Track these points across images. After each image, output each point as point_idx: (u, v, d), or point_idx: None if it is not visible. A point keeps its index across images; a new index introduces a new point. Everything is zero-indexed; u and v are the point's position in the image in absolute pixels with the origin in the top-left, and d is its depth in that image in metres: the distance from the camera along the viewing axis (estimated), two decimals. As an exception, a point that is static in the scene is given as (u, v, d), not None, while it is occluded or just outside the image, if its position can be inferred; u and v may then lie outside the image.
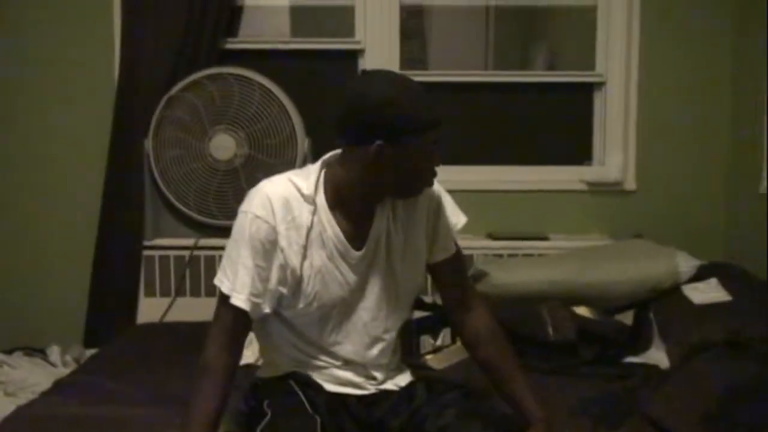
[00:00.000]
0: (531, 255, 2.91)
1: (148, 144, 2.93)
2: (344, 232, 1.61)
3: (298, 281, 1.59)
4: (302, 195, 1.58)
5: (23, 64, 3.08)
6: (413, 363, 2.09)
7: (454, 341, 2.39)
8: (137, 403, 2.04)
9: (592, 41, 3.21)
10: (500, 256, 2.93)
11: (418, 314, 2.33)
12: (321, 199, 1.60)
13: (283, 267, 1.57)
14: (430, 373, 2.03)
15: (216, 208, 2.88)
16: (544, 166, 3.22)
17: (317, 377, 1.68)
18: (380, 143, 1.49)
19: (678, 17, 3.09)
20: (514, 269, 2.62)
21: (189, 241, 2.94)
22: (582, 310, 2.40)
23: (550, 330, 2.28)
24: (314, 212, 1.59)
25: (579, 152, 3.26)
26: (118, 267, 2.98)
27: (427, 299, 2.54)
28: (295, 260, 1.57)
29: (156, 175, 2.94)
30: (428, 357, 2.31)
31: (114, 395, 2.11)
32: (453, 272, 1.75)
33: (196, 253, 2.93)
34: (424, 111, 1.52)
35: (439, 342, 2.35)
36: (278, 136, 2.89)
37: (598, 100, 3.23)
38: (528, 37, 3.43)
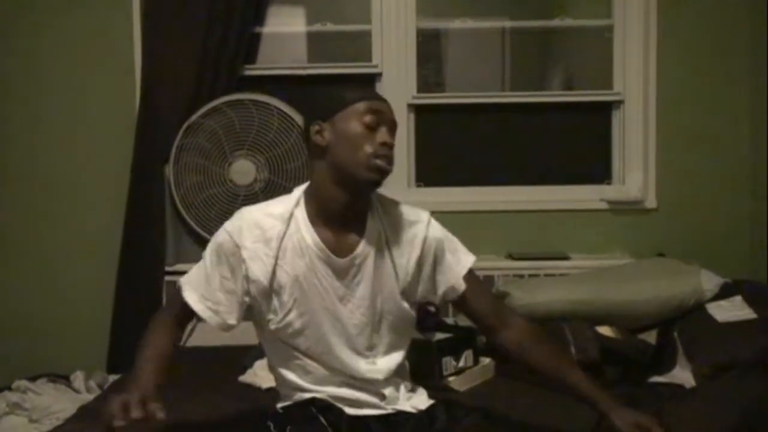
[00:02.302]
0: (552, 275, 2.90)
1: (169, 170, 2.96)
2: (326, 241, 1.66)
3: (266, 291, 1.66)
4: (275, 213, 1.67)
5: (44, 92, 3.13)
6: (435, 385, 2.08)
7: (476, 362, 2.38)
8: (159, 429, 2.04)
9: (609, 60, 3.21)
10: (521, 276, 2.92)
11: (440, 335, 2.32)
12: (301, 212, 1.68)
13: (247, 279, 1.65)
14: (450, 396, 2.01)
15: (237, 232, 2.89)
16: (564, 186, 3.22)
17: (334, 401, 1.68)
18: (317, 124, 1.64)
19: (694, 34, 3.09)
20: (536, 289, 2.61)
21: (210, 266, 2.96)
22: (605, 330, 2.38)
23: (573, 349, 2.27)
24: (288, 222, 1.66)
25: (597, 171, 3.25)
26: (140, 292, 2.99)
27: (449, 321, 2.54)
28: (259, 272, 1.64)
29: (177, 200, 2.96)
30: (450, 379, 2.29)
31: (137, 421, 2.11)
32: (476, 304, 1.78)
33: (217, 278, 2.94)
34: (351, 89, 1.65)
35: (461, 363, 2.34)
36: (297, 160, 2.91)
37: (616, 118, 3.23)
38: (544, 57, 3.44)
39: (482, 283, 1.84)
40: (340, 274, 1.67)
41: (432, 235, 1.75)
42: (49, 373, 2.86)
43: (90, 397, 2.55)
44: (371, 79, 3.20)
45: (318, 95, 1.71)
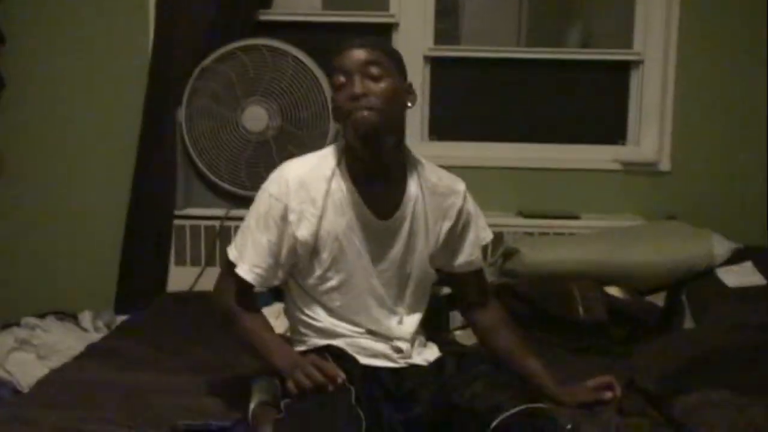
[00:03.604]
0: (561, 234, 2.89)
1: (181, 114, 2.94)
2: (367, 201, 1.66)
3: (310, 250, 1.66)
4: (319, 171, 1.66)
5: (55, 33, 3.08)
6: (442, 339, 2.09)
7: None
8: (167, 369, 2.07)
9: (628, 19, 3.15)
10: (530, 234, 2.91)
11: (447, 290, 2.32)
12: (343, 168, 1.68)
13: (293, 239, 1.65)
14: (459, 348, 2.03)
15: (247, 179, 2.88)
16: (578, 145, 3.18)
17: (348, 349, 1.69)
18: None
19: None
20: (546, 248, 2.60)
21: (220, 211, 2.96)
22: (613, 290, 2.38)
23: (581, 309, 2.27)
24: (331, 178, 1.66)
25: (612, 131, 3.21)
26: (149, 235, 2.99)
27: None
28: (306, 232, 1.65)
29: (188, 145, 2.94)
30: (457, 332, 2.30)
31: (144, 361, 2.13)
32: (474, 283, 1.84)
33: (226, 223, 2.94)
34: (337, 53, 1.64)
35: (468, 318, 2.34)
36: (310, 108, 2.88)
37: (634, 78, 3.18)
38: (562, 13, 3.38)
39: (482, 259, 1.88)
40: (377, 234, 1.68)
41: (466, 208, 1.78)
42: (57, 311, 2.89)
43: (97, 336, 2.57)
44: (387, 29, 3.15)
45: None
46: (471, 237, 1.79)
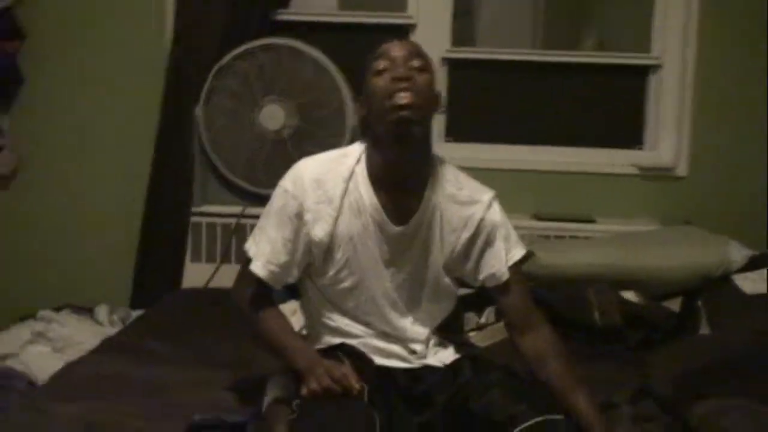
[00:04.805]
0: (577, 237, 2.88)
1: (199, 112, 2.95)
2: (384, 205, 1.64)
3: (325, 249, 1.65)
4: (337, 170, 1.65)
5: (75, 29, 3.11)
6: (457, 340, 2.09)
7: (498, 320, 2.38)
8: (181, 365, 2.08)
9: (647, 23, 3.14)
10: (546, 237, 2.90)
11: (463, 291, 2.32)
12: (362, 169, 1.66)
13: (309, 239, 1.65)
14: (475, 352, 2.02)
15: (264, 177, 2.89)
16: (595, 149, 3.17)
17: (362, 349, 1.69)
18: (358, 100, 1.69)
19: (738, 1, 3.00)
20: (561, 251, 2.59)
21: (236, 209, 2.97)
22: (629, 295, 2.37)
23: (597, 314, 2.26)
24: (349, 179, 1.64)
25: (629, 136, 3.20)
26: (165, 231, 3.01)
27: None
28: (321, 232, 1.64)
29: (206, 142, 2.96)
30: (472, 334, 2.30)
31: (159, 356, 2.15)
32: (512, 304, 1.73)
33: (242, 220, 2.95)
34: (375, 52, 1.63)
35: (483, 320, 2.34)
36: (327, 108, 2.89)
37: (652, 83, 3.16)
38: (579, 17, 3.37)
39: (524, 280, 1.79)
40: (392, 239, 1.66)
41: (489, 219, 1.71)
42: (73, 305, 2.90)
43: (113, 330, 2.58)
44: (405, 30, 3.15)
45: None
46: (496, 250, 1.71)
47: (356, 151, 1.69)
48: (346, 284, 1.68)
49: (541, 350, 1.68)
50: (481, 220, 1.70)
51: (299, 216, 1.64)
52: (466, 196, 1.71)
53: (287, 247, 1.66)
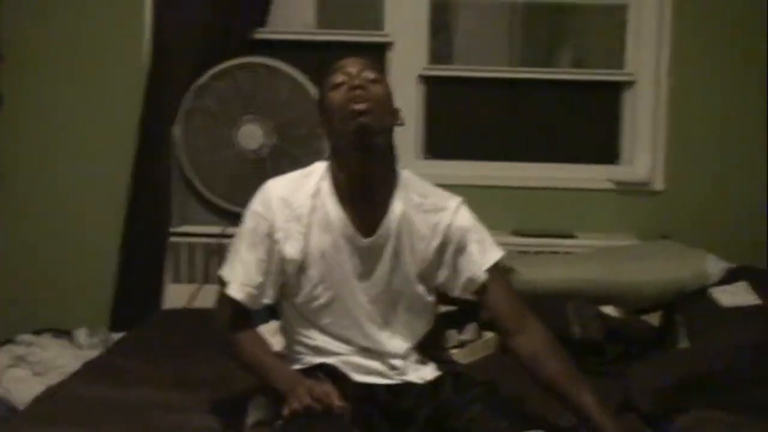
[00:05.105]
0: (556, 253, 2.90)
1: (177, 131, 2.95)
2: (350, 218, 1.67)
3: (298, 267, 1.67)
4: (302, 188, 1.68)
5: (52, 50, 3.10)
6: (438, 357, 2.09)
7: (480, 336, 2.39)
8: (163, 387, 2.06)
9: (620, 40, 3.18)
10: (525, 253, 2.92)
11: (444, 308, 2.33)
12: (327, 185, 1.69)
13: (282, 257, 1.67)
14: (457, 368, 2.03)
15: (243, 196, 2.84)
16: (572, 164, 3.20)
17: (342, 368, 1.70)
18: (320, 117, 1.72)
19: (711, 16, 3.05)
20: (541, 267, 2.61)
21: (216, 229, 2.96)
22: (608, 310, 2.39)
23: (576, 329, 2.27)
24: (314, 196, 1.67)
25: (605, 151, 3.24)
26: (144, 252, 2.99)
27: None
28: (292, 250, 1.66)
29: (184, 162, 2.95)
30: (454, 351, 2.30)
31: (140, 378, 2.12)
32: (494, 301, 1.74)
33: (222, 240, 2.94)
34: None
35: (464, 336, 2.35)
36: (306, 126, 2.89)
37: (627, 99, 3.20)
38: (554, 34, 3.41)
39: (508, 282, 1.80)
40: (362, 252, 1.68)
41: (457, 224, 1.73)
42: (52, 328, 2.87)
43: (93, 353, 2.56)
44: (382, 48, 3.17)
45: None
46: (469, 253, 1.72)
47: (320, 168, 1.73)
48: (322, 300, 1.69)
49: (536, 351, 1.66)
50: (448, 226, 1.72)
51: (270, 236, 1.66)
52: (432, 204, 1.74)
53: (261, 268, 1.67)
